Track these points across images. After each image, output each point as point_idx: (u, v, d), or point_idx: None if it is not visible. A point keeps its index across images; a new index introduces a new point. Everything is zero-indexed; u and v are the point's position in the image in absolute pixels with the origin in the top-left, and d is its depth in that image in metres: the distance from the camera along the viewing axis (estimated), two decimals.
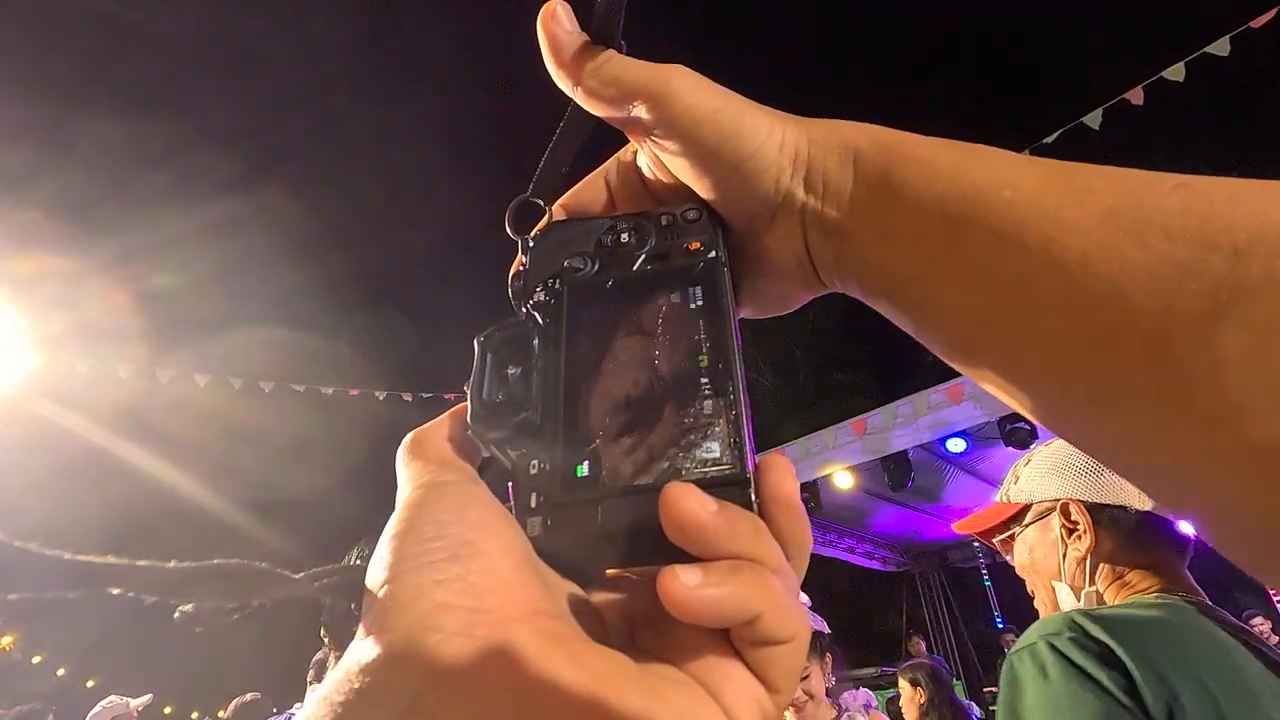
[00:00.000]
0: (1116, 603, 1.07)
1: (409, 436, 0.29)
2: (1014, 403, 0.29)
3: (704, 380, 0.28)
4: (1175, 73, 5.27)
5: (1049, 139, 5.69)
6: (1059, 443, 1.22)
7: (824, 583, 9.84)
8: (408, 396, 7.55)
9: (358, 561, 1.40)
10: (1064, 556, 1.15)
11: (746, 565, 0.23)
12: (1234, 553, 0.24)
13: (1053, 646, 0.89)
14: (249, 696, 3.54)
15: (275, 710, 3.33)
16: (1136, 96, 5.41)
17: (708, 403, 0.28)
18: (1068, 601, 1.15)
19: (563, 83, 0.34)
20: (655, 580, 0.23)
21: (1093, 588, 1.12)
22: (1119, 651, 0.85)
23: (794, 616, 0.24)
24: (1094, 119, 5.55)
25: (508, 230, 0.35)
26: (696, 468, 0.26)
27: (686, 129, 0.32)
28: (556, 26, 0.33)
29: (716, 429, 0.27)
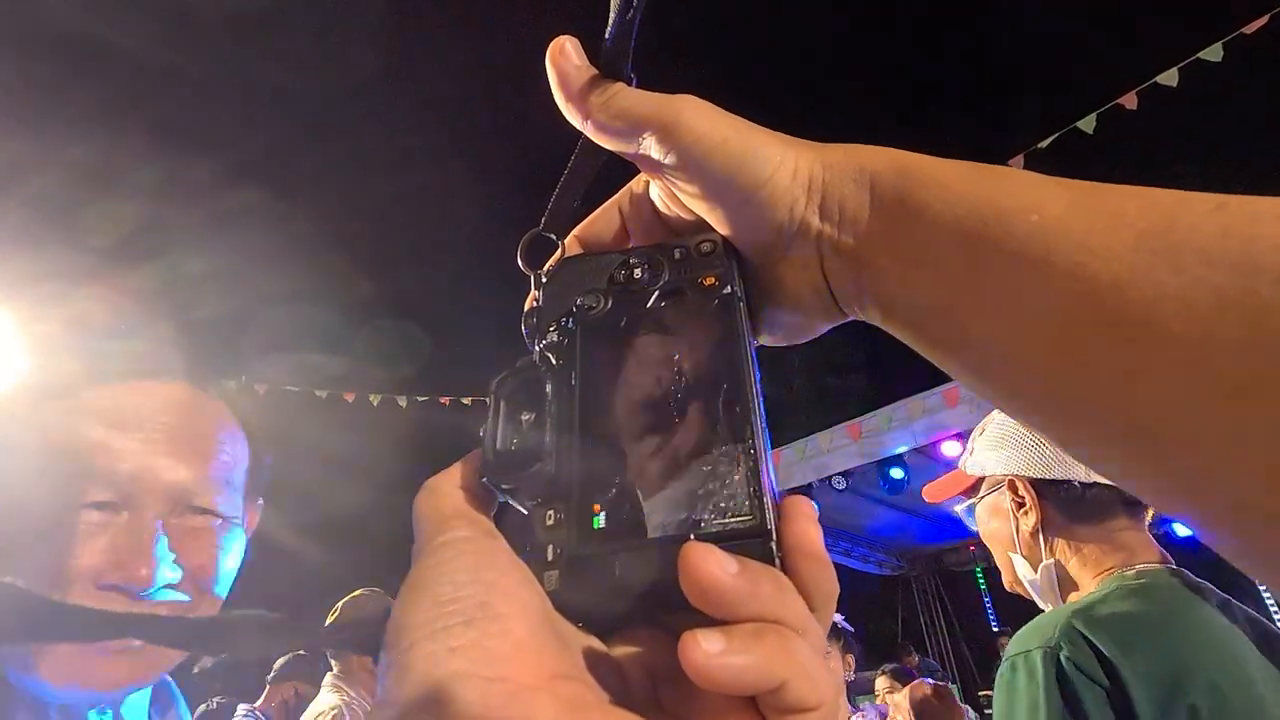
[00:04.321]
0: (1096, 585, 1.08)
1: (424, 486, 0.29)
2: (1051, 437, 0.28)
3: (721, 424, 0.27)
4: (1169, 78, 5.30)
5: (1043, 143, 5.71)
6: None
7: None
8: (399, 398, 7.53)
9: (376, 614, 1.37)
10: (1016, 529, 1.19)
11: (770, 629, 0.22)
12: None
13: (1048, 657, 0.89)
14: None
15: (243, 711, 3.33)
16: (1130, 101, 5.44)
17: (725, 448, 0.27)
18: (1024, 571, 1.19)
19: (572, 117, 0.33)
20: (677, 634, 0.22)
21: (1050, 560, 1.15)
22: (1125, 672, 0.84)
23: (820, 682, 0.23)
24: (1088, 123, 5.57)
25: (520, 265, 0.35)
26: (715, 519, 0.26)
27: (696, 160, 0.31)
28: (565, 61, 0.33)
29: (735, 476, 0.26)
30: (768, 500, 0.25)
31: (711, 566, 0.22)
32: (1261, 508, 0.21)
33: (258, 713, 3.26)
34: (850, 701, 2.74)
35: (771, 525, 0.25)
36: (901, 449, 5.63)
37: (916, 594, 9.40)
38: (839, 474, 6.12)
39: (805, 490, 6.54)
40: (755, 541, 0.25)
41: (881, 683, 3.69)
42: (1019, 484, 1.19)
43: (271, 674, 3.52)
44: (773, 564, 0.25)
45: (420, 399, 7.53)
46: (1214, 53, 5.21)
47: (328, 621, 1.83)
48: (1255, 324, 0.20)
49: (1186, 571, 1.04)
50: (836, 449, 5.99)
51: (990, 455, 1.23)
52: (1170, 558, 1.09)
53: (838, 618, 2.82)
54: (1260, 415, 0.20)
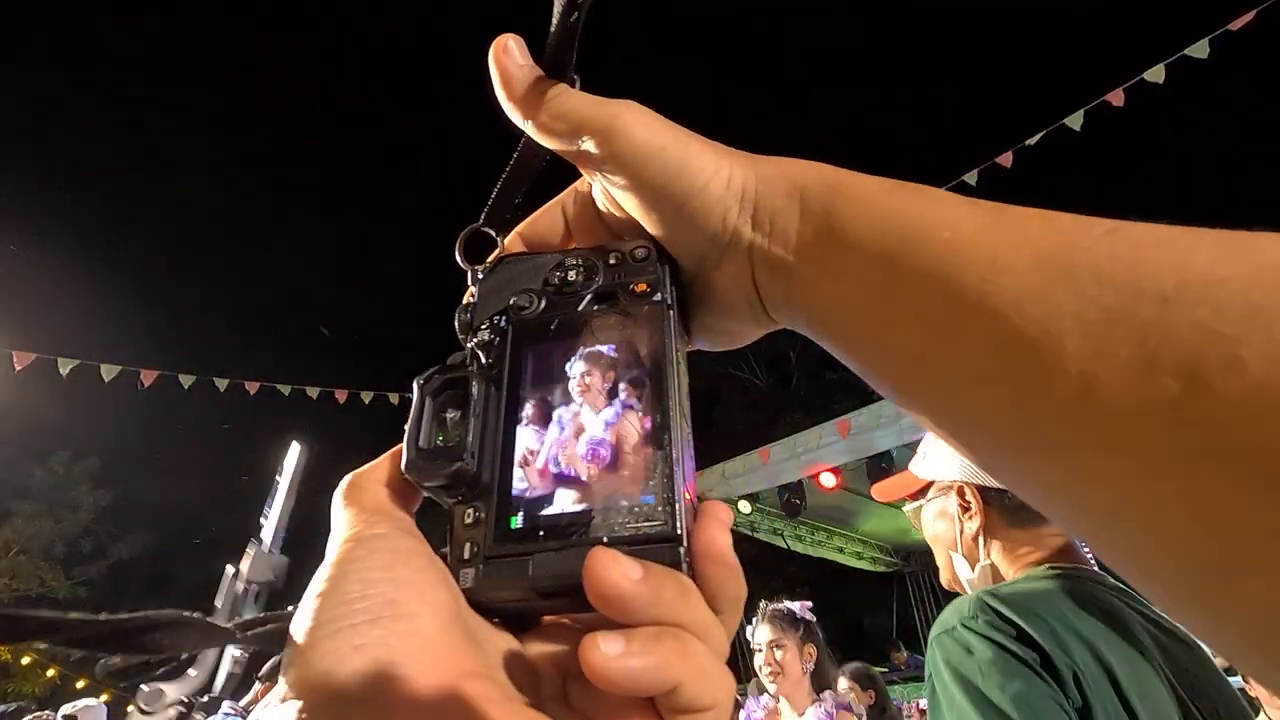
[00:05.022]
0: (1014, 577, 1.17)
1: (345, 480, 0.29)
2: (954, 446, 0.29)
3: (640, 431, 0.28)
4: (1155, 74, 5.33)
5: (1031, 140, 5.73)
6: None
7: (813, 583, 9.86)
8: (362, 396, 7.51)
9: (291, 608, 1.36)
10: (960, 532, 1.28)
11: (669, 632, 0.23)
12: (1167, 603, 0.23)
13: (969, 629, 0.98)
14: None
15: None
16: (1117, 98, 5.47)
17: (643, 454, 0.27)
18: (963, 570, 1.28)
19: (514, 115, 0.34)
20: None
21: (987, 561, 1.24)
22: (1027, 628, 0.94)
23: (716, 684, 0.24)
24: (1075, 120, 5.60)
25: (458, 260, 0.34)
26: (629, 523, 0.26)
27: (633, 165, 0.31)
28: (508, 59, 0.33)
29: (651, 482, 0.27)
30: (679, 506, 0.26)
31: (613, 573, 0.23)
32: (1134, 516, 0.22)
33: (241, 711, 3.25)
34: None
35: (682, 531, 0.26)
36: (889, 446, 5.65)
37: (911, 590, 9.43)
38: (828, 469, 6.14)
39: (795, 487, 6.56)
40: (664, 546, 0.26)
41: (842, 684, 3.61)
42: (967, 490, 1.28)
43: (261, 672, 3.52)
44: (680, 569, 0.25)
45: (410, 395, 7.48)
46: (1200, 49, 5.24)
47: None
48: (1139, 342, 0.21)
49: (1107, 576, 1.12)
50: (825, 445, 6.00)
51: (942, 462, 1.32)
52: (1092, 563, 1.17)
53: (797, 606, 2.81)
54: (1141, 428, 0.21)
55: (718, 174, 0.31)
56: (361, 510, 0.27)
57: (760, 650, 2.68)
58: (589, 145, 0.32)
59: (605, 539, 0.26)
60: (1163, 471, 0.21)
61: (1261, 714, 1.97)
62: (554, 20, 0.32)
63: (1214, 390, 0.20)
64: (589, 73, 0.34)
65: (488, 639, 0.27)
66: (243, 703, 3.53)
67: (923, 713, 5.70)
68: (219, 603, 1.92)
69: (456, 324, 0.33)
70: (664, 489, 0.26)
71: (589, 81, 0.34)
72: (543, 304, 0.33)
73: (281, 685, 0.23)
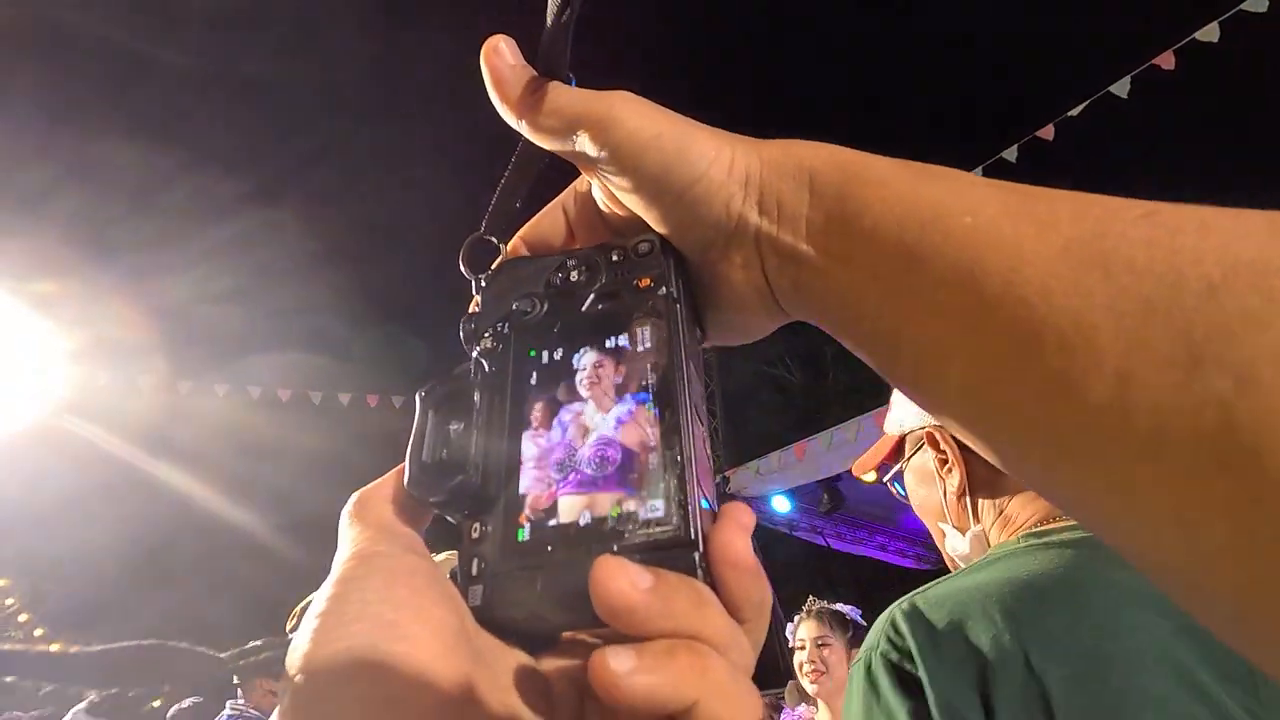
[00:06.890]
0: (991, 550, 0.89)
1: (353, 497, 0.29)
2: (975, 445, 0.27)
3: (650, 431, 0.27)
4: (1209, 33, 4.97)
5: (1074, 111, 5.42)
6: None
7: (855, 581, 9.68)
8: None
9: (288, 637, 1.30)
10: (944, 494, 0.98)
11: (684, 646, 0.22)
12: (1212, 625, 0.22)
13: (868, 665, 0.74)
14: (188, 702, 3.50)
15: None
16: (1167, 61, 5.13)
17: (653, 456, 0.26)
18: (956, 545, 0.98)
19: (507, 116, 0.33)
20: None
21: (978, 527, 0.94)
22: (919, 663, 0.68)
23: (737, 701, 0.22)
24: (1121, 87, 5.27)
25: (462, 270, 0.34)
26: (639, 530, 0.25)
27: (629, 155, 0.31)
28: (499, 60, 0.33)
29: (661, 486, 0.26)
30: (693, 509, 0.25)
31: (620, 582, 0.22)
32: (1173, 529, 0.20)
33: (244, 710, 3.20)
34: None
35: (696, 535, 0.25)
36: None
37: None
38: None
39: (834, 481, 6.42)
40: (678, 553, 0.25)
41: None
42: (938, 436, 0.97)
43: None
44: (695, 575, 0.24)
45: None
46: (1259, 3, 4.85)
47: (288, 624, 1.79)
48: (1183, 335, 0.20)
49: None
50: (864, 440, 5.82)
51: (907, 408, 1.01)
52: None
53: (847, 609, 2.61)
54: (1183, 432, 0.20)
55: (718, 159, 0.31)
56: (366, 528, 0.27)
57: (804, 648, 2.49)
58: (584, 140, 0.31)
59: (616, 548, 0.25)
60: (1207, 481, 0.19)
61: None
62: (548, 19, 0.31)
63: (1270, 389, 0.18)
64: (586, 70, 0.33)
65: (498, 659, 0.26)
66: (241, 701, 3.47)
67: None
68: None
69: (461, 334, 0.33)
70: (676, 492, 0.26)
71: (586, 80, 0.33)
72: (545, 307, 0.32)
73: (277, 713, 0.22)
